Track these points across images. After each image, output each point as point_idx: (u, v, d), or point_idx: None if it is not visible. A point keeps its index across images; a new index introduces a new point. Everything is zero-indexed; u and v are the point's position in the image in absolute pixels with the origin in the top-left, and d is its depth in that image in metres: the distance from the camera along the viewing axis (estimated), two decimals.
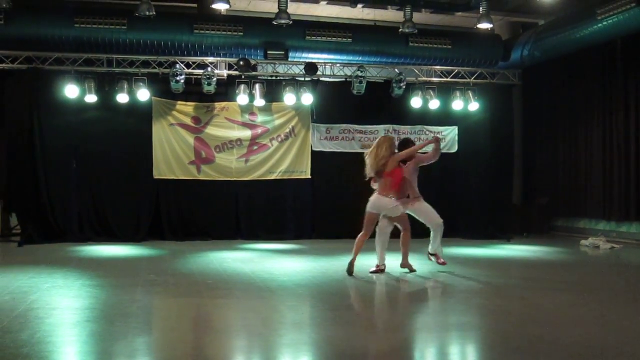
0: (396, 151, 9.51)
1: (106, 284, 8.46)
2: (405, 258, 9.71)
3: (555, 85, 15.98)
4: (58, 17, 12.97)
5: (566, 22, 13.83)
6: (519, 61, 15.21)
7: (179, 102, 14.23)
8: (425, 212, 9.77)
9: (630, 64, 13.82)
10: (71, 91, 13.29)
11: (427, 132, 15.24)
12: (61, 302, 7.32)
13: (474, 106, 15.03)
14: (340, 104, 14.94)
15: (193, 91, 14.22)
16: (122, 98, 13.54)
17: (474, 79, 15.35)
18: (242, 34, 13.67)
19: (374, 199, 9.48)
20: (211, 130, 14.35)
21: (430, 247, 9.93)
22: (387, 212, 9.45)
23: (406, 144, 9.91)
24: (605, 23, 12.46)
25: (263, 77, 14.49)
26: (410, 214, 9.74)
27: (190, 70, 13.95)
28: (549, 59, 14.88)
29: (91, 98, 13.46)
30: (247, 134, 14.52)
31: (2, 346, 5.22)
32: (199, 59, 14.01)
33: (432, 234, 9.88)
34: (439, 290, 8.43)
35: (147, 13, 11.50)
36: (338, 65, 14.78)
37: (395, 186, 9.39)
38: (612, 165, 14.35)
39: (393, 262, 10.65)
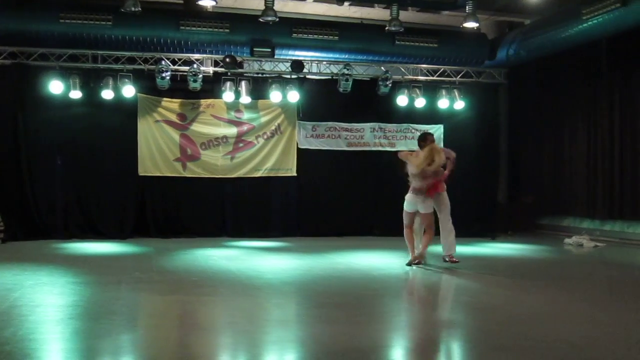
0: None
1: (90, 281, 8.42)
2: (423, 248, 10.05)
3: (540, 84, 16.07)
4: (43, 12, 12.84)
5: (551, 21, 13.89)
6: (504, 60, 15.26)
7: (165, 99, 14.17)
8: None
9: (614, 63, 13.93)
10: (56, 87, 13.19)
11: (413, 130, 15.26)
12: (45, 299, 7.28)
13: (460, 104, 15.08)
14: (326, 102, 14.94)
15: (179, 88, 14.14)
16: (107, 94, 13.46)
17: (460, 77, 15.39)
18: (228, 30, 13.61)
19: (409, 197, 10.01)
20: (197, 127, 14.30)
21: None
22: (420, 207, 9.91)
23: (425, 139, 10.31)
24: (590, 23, 12.52)
25: (249, 74, 14.45)
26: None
27: (176, 67, 13.88)
28: (534, 58, 14.94)
29: (76, 94, 13.37)
30: (232, 131, 14.49)
31: None
32: (184, 56, 13.95)
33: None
34: (424, 287, 8.46)
35: (133, 9, 11.42)
36: (324, 62, 14.77)
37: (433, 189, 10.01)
38: (596, 164, 14.46)
39: (375, 259, 10.69)
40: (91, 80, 13.56)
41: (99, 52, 13.61)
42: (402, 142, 15.22)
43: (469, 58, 15.27)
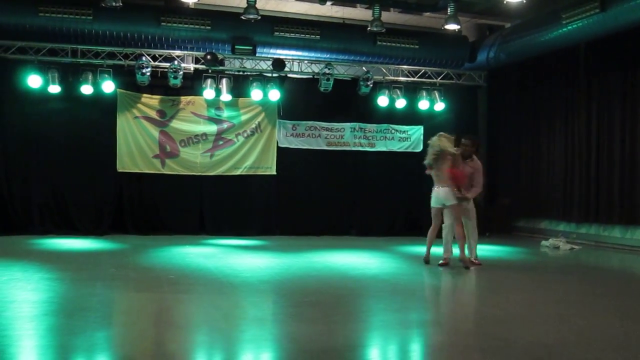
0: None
1: (66, 277, 8.35)
2: (461, 252, 10.03)
3: (519, 87, 16.19)
4: (22, 5, 12.72)
5: (531, 25, 14.01)
6: (484, 63, 15.37)
7: (144, 95, 14.09)
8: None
9: (592, 68, 14.06)
10: (34, 81, 13.06)
11: (393, 131, 15.33)
12: (19, 295, 7.21)
13: (440, 106, 15.16)
14: (307, 101, 14.95)
15: (159, 84, 14.07)
16: (86, 89, 13.36)
17: (440, 79, 15.47)
18: (209, 27, 13.58)
19: (433, 192, 10.22)
20: (176, 124, 14.23)
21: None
22: (445, 200, 10.02)
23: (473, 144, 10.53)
24: (569, 27, 12.65)
25: (230, 72, 14.41)
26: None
27: (156, 63, 13.81)
28: (514, 61, 15.07)
29: (54, 88, 13.25)
30: (212, 128, 14.44)
31: None
32: (165, 52, 13.89)
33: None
34: (401, 287, 8.48)
35: (114, 4, 11.36)
36: (305, 61, 14.78)
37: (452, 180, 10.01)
38: (572, 167, 14.58)
39: (352, 259, 10.71)
40: (70, 75, 13.45)
41: (78, 46, 13.49)
42: (382, 142, 15.28)
43: (450, 60, 15.36)
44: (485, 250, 13.07)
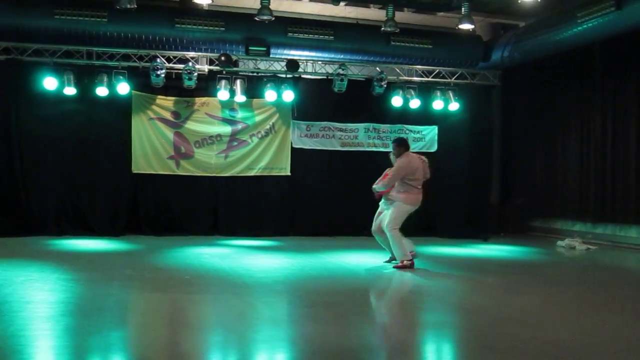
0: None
1: (82, 277, 8.41)
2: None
3: (534, 86, 16.10)
4: (37, 7, 12.80)
5: (546, 24, 13.94)
6: (498, 62, 15.30)
7: (159, 96, 14.15)
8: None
9: (608, 67, 13.97)
10: (50, 83, 13.15)
11: (407, 131, 15.30)
12: (36, 296, 7.26)
13: (454, 106, 15.11)
14: (320, 102, 14.94)
15: (173, 85, 14.13)
16: (102, 91, 13.42)
17: (454, 79, 15.42)
18: (223, 29, 13.61)
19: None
20: (191, 125, 14.29)
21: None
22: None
23: (406, 144, 10.47)
24: (584, 26, 12.57)
25: (244, 73, 14.43)
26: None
27: (170, 65, 13.86)
28: (528, 60, 14.98)
29: (70, 90, 13.32)
30: (226, 129, 14.48)
31: None
32: (179, 53, 13.94)
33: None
34: (416, 288, 8.46)
35: (128, 5, 11.40)
36: (319, 62, 14.78)
37: None
38: (588, 166, 14.50)
39: (366, 260, 10.71)
40: (85, 77, 13.52)
41: (93, 48, 13.57)
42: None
43: (464, 59, 15.31)
44: (500, 250, 13.05)
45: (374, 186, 10.24)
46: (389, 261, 10.24)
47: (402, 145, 10.30)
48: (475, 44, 15.29)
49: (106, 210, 13.88)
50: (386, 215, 10.03)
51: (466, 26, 12.61)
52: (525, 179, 16.50)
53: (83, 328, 5.79)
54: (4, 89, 13.30)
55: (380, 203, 10.46)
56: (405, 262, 9.75)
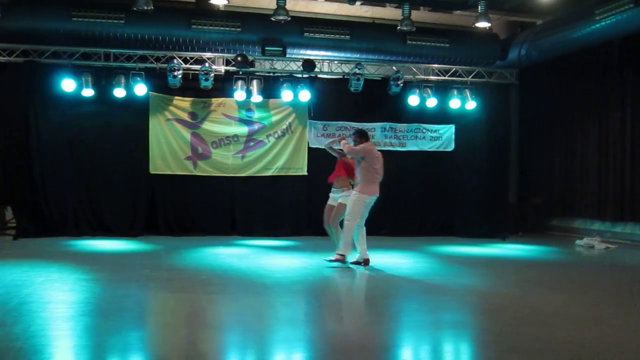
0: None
1: (101, 278, 8.45)
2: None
3: (551, 84, 15.99)
4: (55, 10, 12.88)
5: (564, 21, 13.84)
6: (516, 60, 15.20)
7: (176, 97, 14.20)
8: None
9: (627, 64, 13.84)
10: (68, 85, 13.24)
11: (424, 130, 15.26)
12: (55, 296, 7.31)
13: (471, 105, 15.03)
14: (337, 101, 14.93)
15: (190, 86, 14.19)
16: (119, 92, 13.50)
17: (471, 77, 15.35)
18: (239, 29, 13.63)
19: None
20: (208, 125, 14.33)
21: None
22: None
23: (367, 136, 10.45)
24: (603, 23, 12.46)
25: (260, 73, 14.45)
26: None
27: (187, 66, 13.91)
28: (546, 58, 14.87)
29: (88, 92, 13.41)
30: (243, 129, 14.51)
31: None
32: (196, 54, 13.98)
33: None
34: (434, 288, 8.43)
35: (145, 7, 11.44)
36: (335, 62, 14.76)
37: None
38: (607, 165, 14.38)
39: (384, 259, 10.69)
40: (103, 79, 13.60)
41: (111, 50, 13.65)
42: (413, 141, 15.21)
43: (481, 58, 15.22)
44: (518, 250, 12.98)
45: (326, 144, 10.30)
46: (356, 263, 9.85)
47: (363, 136, 10.27)
48: (492, 42, 15.20)
49: (124, 211, 13.94)
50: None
51: (483, 24, 12.54)
52: (543, 177, 16.40)
53: (102, 328, 5.82)
54: (23, 91, 13.42)
55: (330, 194, 10.42)
56: (338, 256, 9.67)
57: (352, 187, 9.97)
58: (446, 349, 5.70)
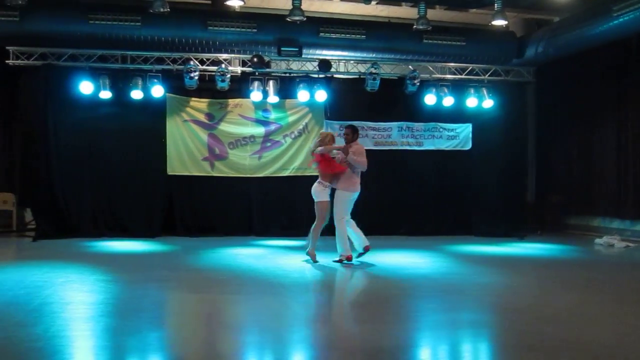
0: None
1: (119, 279, 8.50)
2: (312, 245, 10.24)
3: (569, 82, 15.87)
4: (72, 13, 12.99)
5: (581, 18, 13.73)
6: (533, 58, 15.11)
7: (193, 99, 14.26)
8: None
9: None
10: (85, 87, 13.34)
11: (441, 129, 15.21)
12: (75, 297, 7.36)
13: (488, 103, 14.95)
14: (353, 101, 14.92)
15: (206, 87, 14.24)
16: (136, 94, 13.58)
17: (488, 75, 15.27)
18: (255, 30, 13.66)
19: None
20: (224, 126, 14.37)
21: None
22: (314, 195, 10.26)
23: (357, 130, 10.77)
24: (620, 20, 12.34)
25: (276, 74, 14.47)
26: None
27: (204, 67, 13.95)
28: (563, 56, 14.76)
29: (105, 94, 13.51)
30: (260, 130, 14.54)
31: (17, 340, 5.26)
32: (212, 56, 14.03)
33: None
34: (452, 287, 8.40)
35: (161, 9, 11.50)
36: (351, 62, 14.75)
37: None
38: (626, 163, 14.25)
39: (402, 259, 10.68)
40: (120, 81, 13.69)
41: (128, 52, 13.74)
42: (430, 140, 15.16)
43: (497, 56, 15.14)
44: (537, 249, 12.90)
45: (340, 156, 10.30)
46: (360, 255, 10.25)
47: (356, 132, 10.60)
48: (509, 40, 15.12)
49: (142, 212, 14.01)
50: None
51: (499, 22, 12.48)
52: (561, 175, 16.28)
53: (121, 328, 5.85)
54: (42, 94, 13.54)
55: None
56: (343, 258, 10.03)
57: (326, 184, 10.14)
58: (465, 348, 5.67)
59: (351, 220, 10.25)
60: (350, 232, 10.21)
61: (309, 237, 10.31)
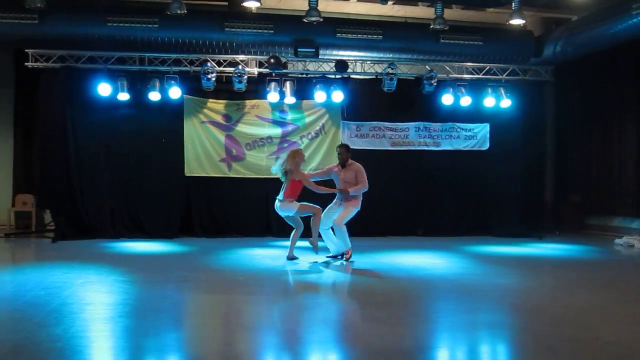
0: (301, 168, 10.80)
1: (138, 279, 8.55)
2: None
3: (588, 81, 15.75)
4: (91, 15, 13.08)
5: (600, 17, 13.61)
6: (551, 57, 15.00)
7: (210, 100, 14.31)
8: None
9: None
10: (103, 89, 13.43)
11: (458, 129, 15.14)
12: (94, 297, 7.41)
13: (506, 103, 14.87)
14: (370, 101, 14.89)
15: (224, 89, 14.28)
16: (154, 96, 13.64)
17: (506, 75, 15.17)
18: (272, 31, 13.67)
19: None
20: (241, 127, 14.40)
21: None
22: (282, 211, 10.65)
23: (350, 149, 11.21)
24: None
25: (293, 75, 14.48)
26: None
27: (221, 68, 13.99)
28: (581, 54, 14.65)
29: (123, 96, 13.58)
30: (277, 131, 14.56)
31: (37, 340, 5.30)
32: (229, 57, 14.06)
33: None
34: (470, 288, 8.36)
35: (178, 11, 11.54)
36: (368, 62, 14.73)
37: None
38: None
39: (419, 259, 10.65)
40: (138, 83, 13.75)
41: (145, 54, 13.81)
42: (447, 141, 15.11)
43: (515, 55, 15.05)
44: (555, 249, 12.82)
45: (350, 191, 10.62)
46: (333, 257, 10.78)
47: (349, 151, 11.04)
48: (527, 39, 15.02)
49: (160, 213, 14.07)
50: (335, 212, 10.65)
51: (517, 21, 12.41)
52: (580, 175, 16.16)
53: (140, 329, 5.88)
54: (60, 96, 13.63)
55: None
56: (350, 251, 10.67)
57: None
58: (484, 349, 5.65)
59: (330, 230, 10.71)
60: (331, 237, 10.71)
61: (313, 232, 10.56)
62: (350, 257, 10.58)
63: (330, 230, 10.66)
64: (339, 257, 10.69)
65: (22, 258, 11.72)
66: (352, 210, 10.60)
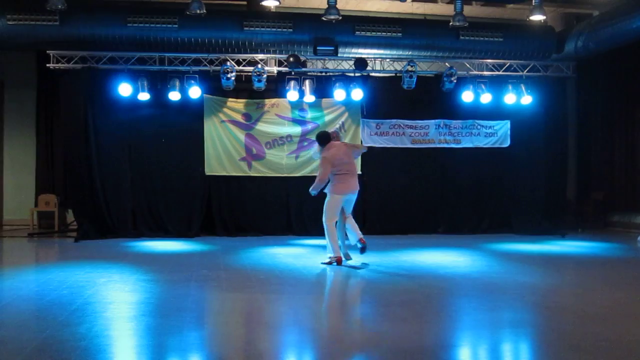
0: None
1: (160, 278, 8.59)
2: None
3: (610, 77, 15.60)
4: (111, 16, 13.20)
5: (622, 12, 13.46)
6: (572, 53, 14.87)
7: (230, 99, 14.35)
8: None
9: None
10: (124, 89, 13.51)
11: (479, 126, 15.06)
12: (117, 296, 7.45)
13: (527, 99, 14.75)
14: (390, 99, 14.86)
15: (243, 88, 14.33)
16: (174, 95, 13.71)
17: (527, 71, 15.06)
18: (291, 30, 13.69)
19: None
20: (261, 126, 14.43)
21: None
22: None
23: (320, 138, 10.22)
24: None
25: (313, 73, 14.48)
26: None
27: (240, 67, 14.03)
28: (604, 50, 14.50)
29: (144, 96, 13.67)
30: (297, 130, 14.56)
31: (61, 339, 5.34)
32: (249, 56, 14.09)
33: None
34: (492, 286, 8.31)
35: (198, 11, 11.58)
36: (388, 60, 14.69)
37: None
38: None
39: (441, 257, 10.60)
40: (158, 82, 13.84)
41: (165, 54, 13.88)
42: (468, 138, 15.03)
43: (536, 52, 14.93)
44: (578, 246, 12.70)
45: (310, 190, 10.06)
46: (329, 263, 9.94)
47: (320, 141, 10.15)
48: (548, 35, 14.90)
49: (181, 212, 14.16)
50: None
51: (537, 17, 12.30)
52: (603, 172, 16.02)
53: (163, 328, 5.90)
54: (82, 96, 13.75)
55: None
56: (332, 259, 9.75)
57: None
58: (507, 348, 5.60)
59: (345, 223, 10.13)
60: (341, 235, 10.12)
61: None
62: (330, 263, 9.78)
63: (343, 227, 10.17)
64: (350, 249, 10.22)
65: (45, 258, 11.83)
66: (328, 200, 10.03)
